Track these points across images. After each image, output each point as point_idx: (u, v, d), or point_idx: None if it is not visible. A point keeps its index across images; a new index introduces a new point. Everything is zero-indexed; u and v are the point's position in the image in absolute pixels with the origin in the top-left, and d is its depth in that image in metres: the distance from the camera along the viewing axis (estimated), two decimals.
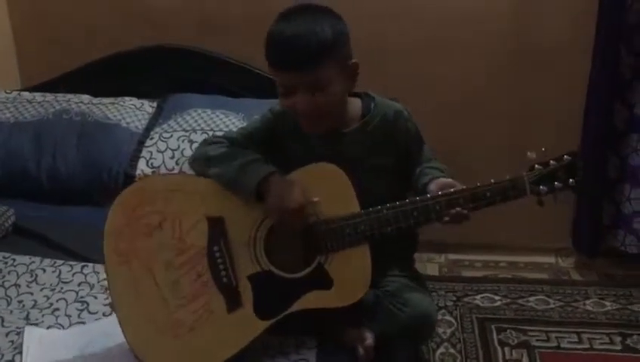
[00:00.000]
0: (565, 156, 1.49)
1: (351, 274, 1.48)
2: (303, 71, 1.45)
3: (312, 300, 1.47)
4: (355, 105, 1.62)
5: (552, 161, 1.49)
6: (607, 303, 2.52)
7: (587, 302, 2.53)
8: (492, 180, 1.47)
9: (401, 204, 1.48)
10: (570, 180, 1.48)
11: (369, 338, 1.48)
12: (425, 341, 2.10)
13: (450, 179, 1.52)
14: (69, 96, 2.54)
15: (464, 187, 1.47)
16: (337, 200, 1.49)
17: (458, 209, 1.45)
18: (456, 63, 2.68)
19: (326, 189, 1.50)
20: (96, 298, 1.74)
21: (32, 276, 1.85)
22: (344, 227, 1.47)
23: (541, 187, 1.47)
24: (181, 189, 1.54)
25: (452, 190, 1.47)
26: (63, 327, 1.65)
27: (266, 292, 1.48)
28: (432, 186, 1.50)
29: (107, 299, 1.68)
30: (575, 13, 2.56)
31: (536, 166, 1.48)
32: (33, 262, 1.91)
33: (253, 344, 1.46)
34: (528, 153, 1.50)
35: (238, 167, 1.50)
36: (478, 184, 1.47)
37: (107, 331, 1.56)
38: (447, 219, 1.46)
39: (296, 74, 1.46)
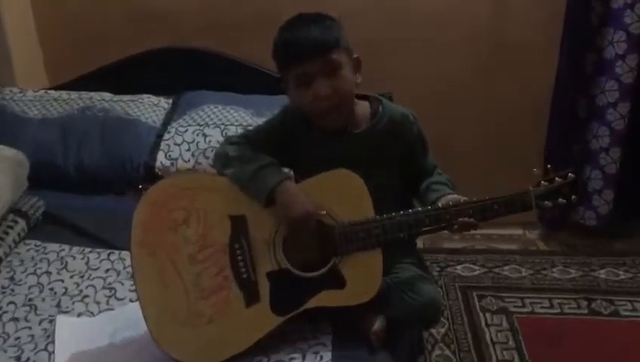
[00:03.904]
0: (570, 174, 1.30)
1: (363, 276, 1.29)
2: (319, 55, 1.29)
3: (325, 298, 1.29)
4: (364, 107, 1.42)
5: (556, 178, 1.31)
6: (572, 271, 2.36)
7: (554, 269, 2.37)
8: (501, 194, 1.29)
9: (414, 211, 1.30)
10: (573, 196, 1.30)
11: (377, 325, 1.30)
12: (433, 326, 1.79)
13: (457, 196, 1.34)
14: (92, 93, 2.30)
15: (474, 199, 1.29)
16: (353, 205, 1.30)
17: (467, 218, 1.27)
18: (436, 61, 2.47)
19: (343, 194, 1.31)
20: (123, 284, 1.56)
21: (62, 263, 1.65)
22: (358, 231, 1.28)
23: (546, 202, 1.29)
24: (206, 187, 1.34)
25: (462, 200, 1.29)
26: (93, 314, 1.47)
27: (283, 289, 1.29)
28: (443, 202, 1.32)
29: (133, 285, 1.48)
30: (544, 16, 2.37)
31: (542, 182, 1.30)
32: (63, 249, 1.71)
33: (269, 336, 1.28)
34: (535, 170, 1.32)
35: (253, 172, 1.31)
36: (487, 197, 1.29)
37: (134, 317, 1.36)
38: (456, 227, 1.28)
39: (314, 60, 1.29)
